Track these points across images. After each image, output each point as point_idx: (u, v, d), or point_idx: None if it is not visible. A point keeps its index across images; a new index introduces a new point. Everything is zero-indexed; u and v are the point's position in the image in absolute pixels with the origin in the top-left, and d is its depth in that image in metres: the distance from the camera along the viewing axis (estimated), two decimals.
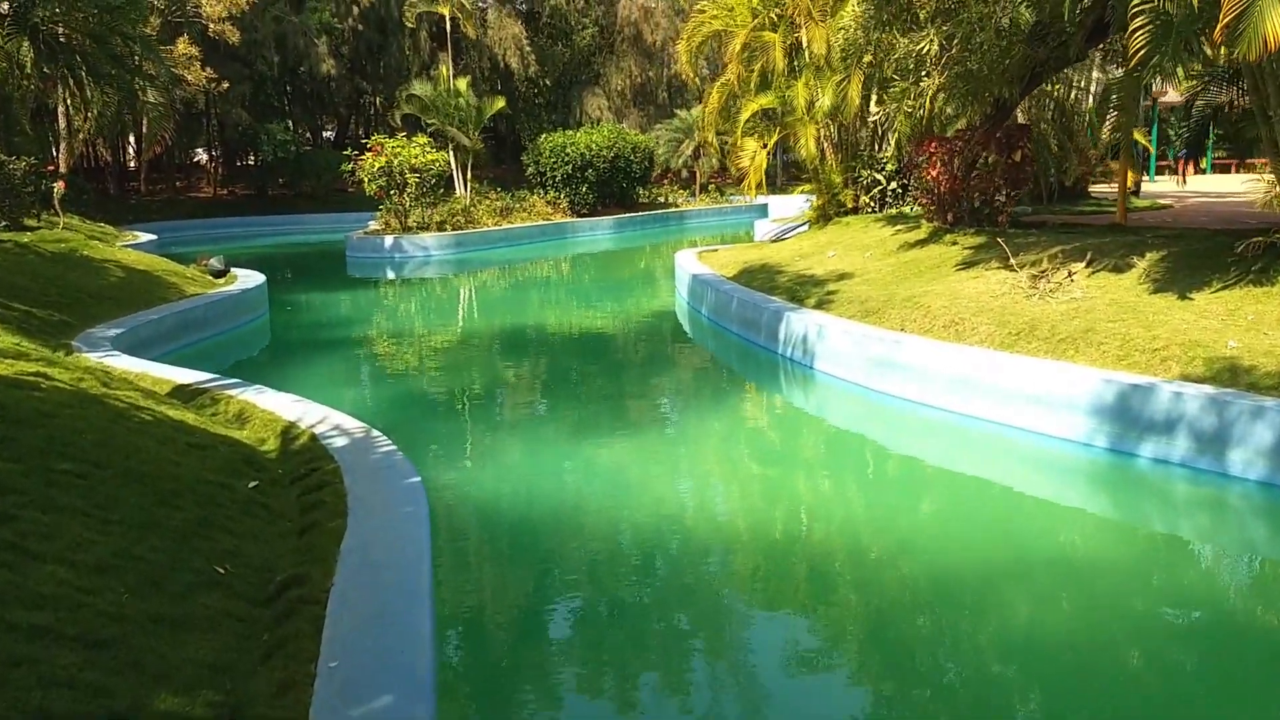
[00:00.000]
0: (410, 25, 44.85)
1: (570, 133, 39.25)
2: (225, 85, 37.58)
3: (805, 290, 14.81)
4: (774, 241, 21.60)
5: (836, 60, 18.55)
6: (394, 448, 7.76)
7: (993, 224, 15.95)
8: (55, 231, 20.15)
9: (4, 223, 18.89)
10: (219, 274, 19.79)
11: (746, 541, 7.83)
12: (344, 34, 46.34)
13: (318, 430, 8.35)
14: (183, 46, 34.68)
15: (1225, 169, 38.66)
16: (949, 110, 17.18)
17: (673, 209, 43.57)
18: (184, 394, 10.00)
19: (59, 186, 22.08)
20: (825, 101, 18.47)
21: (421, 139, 31.38)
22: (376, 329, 18.80)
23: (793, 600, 6.87)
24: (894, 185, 20.09)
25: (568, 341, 17.22)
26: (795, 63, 20.08)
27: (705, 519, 8.34)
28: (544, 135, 39.77)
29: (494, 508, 8.55)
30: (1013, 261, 12.67)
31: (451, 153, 35.71)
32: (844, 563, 7.37)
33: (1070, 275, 12.05)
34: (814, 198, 21.70)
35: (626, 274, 28.32)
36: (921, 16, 14.54)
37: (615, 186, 39.09)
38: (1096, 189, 23.73)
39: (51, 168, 25.50)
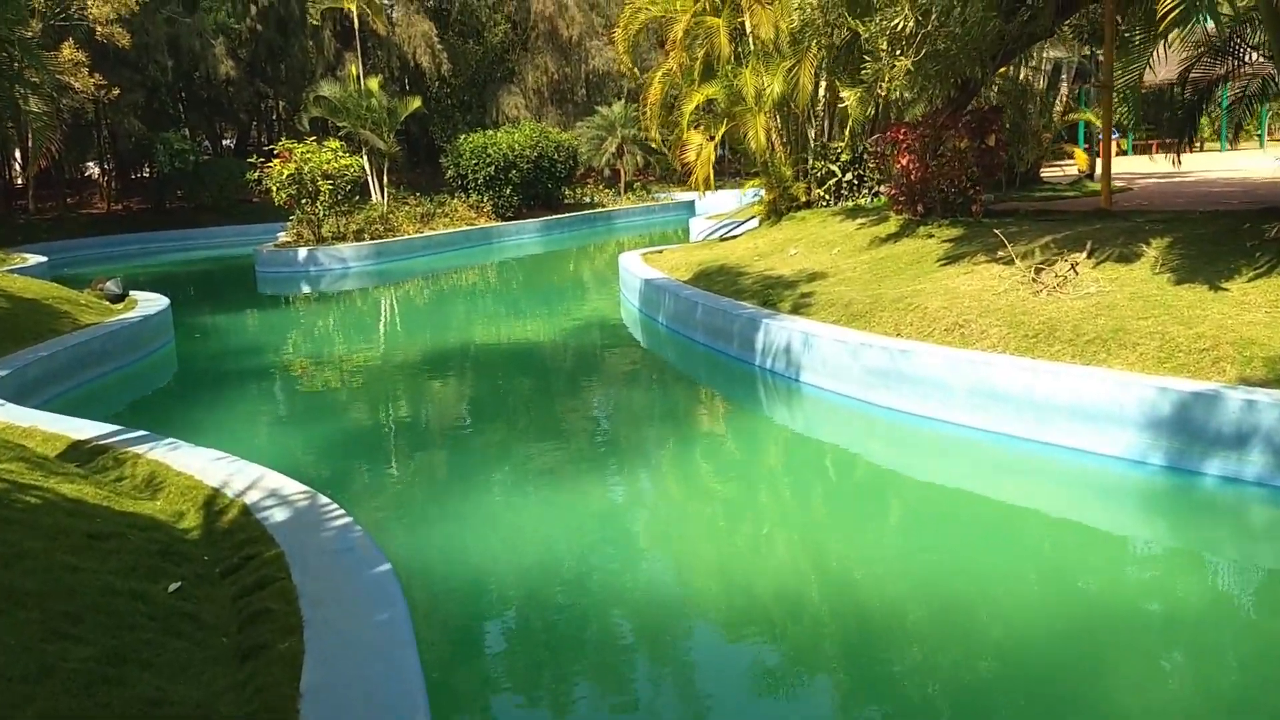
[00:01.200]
0: (315, 23, 42.57)
1: (491, 133, 37.51)
2: (116, 92, 34.85)
3: (777, 293, 13.59)
4: (723, 240, 20.38)
5: (786, 45, 17.42)
6: (349, 520, 6.24)
7: (966, 214, 14.97)
8: None
9: None
10: (117, 298, 17.78)
11: (792, 608, 6.52)
12: (241, 35, 43.77)
13: (249, 499, 6.80)
14: (68, 51, 31.93)
15: (1146, 150, 38.66)
16: (907, 95, 16.16)
17: (599, 209, 42.15)
18: (81, 454, 8.33)
19: None
20: (775, 89, 17.29)
21: (333, 143, 29.39)
22: (297, 354, 16.93)
23: (829, 679, 5.60)
24: (849, 176, 19.02)
25: (518, 360, 15.58)
26: (740, 49, 18.84)
27: (757, 592, 6.92)
28: (463, 136, 37.91)
29: (488, 599, 6.82)
30: (1012, 253, 11.64)
31: (365, 157, 33.74)
32: (889, 627, 6.10)
33: (1074, 268, 11.06)
34: (763, 192, 20.52)
35: (563, 280, 26.82)
36: None
37: (540, 188, 37.48)
38: (1047, 174, 23.07)
39: None
